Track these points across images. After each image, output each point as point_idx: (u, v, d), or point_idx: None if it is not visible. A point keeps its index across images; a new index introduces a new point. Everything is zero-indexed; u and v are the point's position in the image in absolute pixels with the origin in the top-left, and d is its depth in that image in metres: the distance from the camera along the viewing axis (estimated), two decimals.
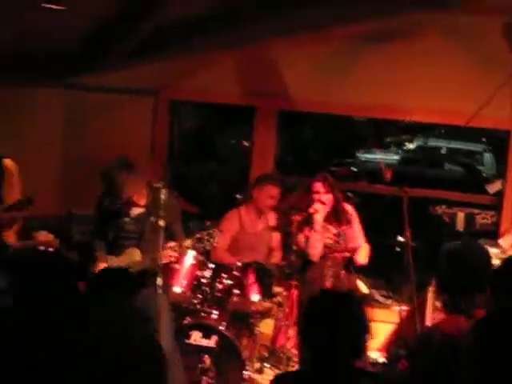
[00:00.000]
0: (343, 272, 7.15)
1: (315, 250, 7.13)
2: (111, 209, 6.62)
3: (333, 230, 7.22)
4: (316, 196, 7.21)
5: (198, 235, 6.52)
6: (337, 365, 3.63)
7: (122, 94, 9.30)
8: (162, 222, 6.07)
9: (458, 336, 3.97)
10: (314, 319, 3.74)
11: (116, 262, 6.42)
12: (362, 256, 7.31)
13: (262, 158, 9.28)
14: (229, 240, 8.02)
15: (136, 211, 6.54)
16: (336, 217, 7.27)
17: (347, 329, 3.65)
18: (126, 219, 6.54)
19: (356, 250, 7.31)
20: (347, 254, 7.26)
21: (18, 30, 7.98)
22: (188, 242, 6.54)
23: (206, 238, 6.46)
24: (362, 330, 3.70)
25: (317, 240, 7.12)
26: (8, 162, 6.65)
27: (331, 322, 3.65)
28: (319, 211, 7.15)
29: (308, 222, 7.21)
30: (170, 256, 6.49)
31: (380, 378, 3.94)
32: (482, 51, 8.35)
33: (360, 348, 3.69)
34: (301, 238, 7.27)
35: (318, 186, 7.23)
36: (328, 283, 6.97)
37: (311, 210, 7.17)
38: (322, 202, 7.18)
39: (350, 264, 7.29)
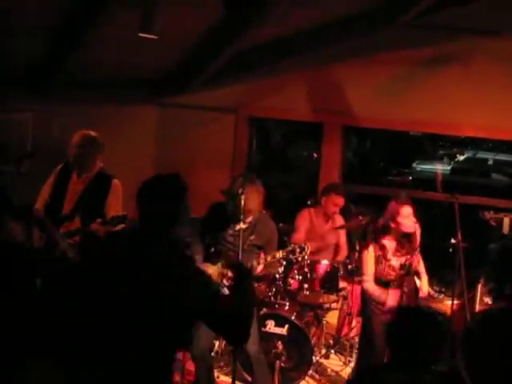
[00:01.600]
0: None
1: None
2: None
3: (395, 263, 6.51)
4: (402, 219, 6.42)
5: (290, 247, 6.28)
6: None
7: (206, 112, 9.37)
8: (242, 225, 5.92)
9: None
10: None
11: (210, 269, 6.19)
12: (425, 287, 6.90)
13: (328, 167, 9.25)
14: (304, 233, 7.96)
15: (239, 226, 6.24)
16: (407, 245, 6.53)
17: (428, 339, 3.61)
18: (231, 231, 6.36)
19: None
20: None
21: (119, 56, 8.09)
22: (280, 253, 6.22)
23: (298, 250, 6.27)
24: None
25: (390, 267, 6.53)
26: (116, 182, 6.66)
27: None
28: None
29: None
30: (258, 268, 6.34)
31: (442, 373, 3.83)
32: None
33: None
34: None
35: (408, 209, 6.45)
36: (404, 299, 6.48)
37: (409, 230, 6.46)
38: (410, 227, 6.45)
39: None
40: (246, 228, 6.13)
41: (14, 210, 5.04)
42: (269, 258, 6.23)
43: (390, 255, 6.47)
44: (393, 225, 6.42)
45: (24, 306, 4.08)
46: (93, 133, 6.69)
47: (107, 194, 6.57)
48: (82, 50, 7.75)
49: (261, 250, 6.29)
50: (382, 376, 3.68)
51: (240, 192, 5.90)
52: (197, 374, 6.35)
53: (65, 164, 6.75)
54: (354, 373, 6.99)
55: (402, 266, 6.49)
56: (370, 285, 6.53)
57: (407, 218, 6.39)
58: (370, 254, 6.50)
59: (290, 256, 6.22)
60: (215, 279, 6.12)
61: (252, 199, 6.02)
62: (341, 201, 7.93)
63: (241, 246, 5.77)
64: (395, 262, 6.49)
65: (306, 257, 6.31)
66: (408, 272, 6.51)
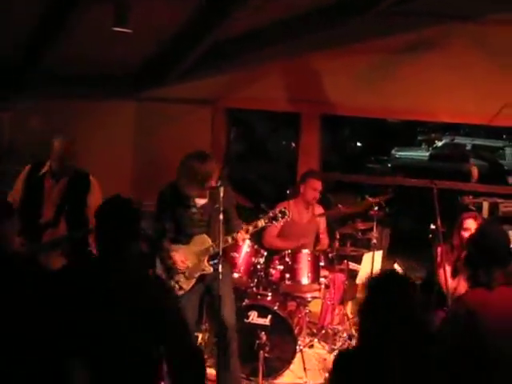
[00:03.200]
0: None
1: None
2: (176, 201, 6.51)
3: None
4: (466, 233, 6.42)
5: (271, 214, 6.40)
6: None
7: (183, 105, 9.37)
8: (221, 216, 6.02)
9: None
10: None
11: (183, 249, 6.36)
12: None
13: (307, 157, 9.27)
14: (279, 227, 7.99)
15: (201, 201, 6.42)
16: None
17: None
18: (194, 209, 6.45)
19: None
20: None
21: (94, 52, 8.07)
22: (262, 222, 6.36)
23: (280, 215, 6.38)
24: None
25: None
26: (94, 180, 6.59)
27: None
28: None
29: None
30: (243, 239, 6.45)
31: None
32: (502, 57, 8.28)
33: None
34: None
35: (471, 223, 6.54)
36: None
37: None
38: None
39: None
40: (206, 203, 6.36)
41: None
42: (251, 228, 6.33)
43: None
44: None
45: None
46: (69, 138, 6.55)
47: (87, 193, 6.51)
48: (57, 46, 7.72)
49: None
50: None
51: (219, 185, 6.01)
52: None
53: (34, 166, 6.55)
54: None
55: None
56: None
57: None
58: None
59: (273, 222, 6.36)
60: (189, 259, 6.30)
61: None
62: (319, 184, 7.92)
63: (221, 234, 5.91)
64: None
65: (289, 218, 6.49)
66: None
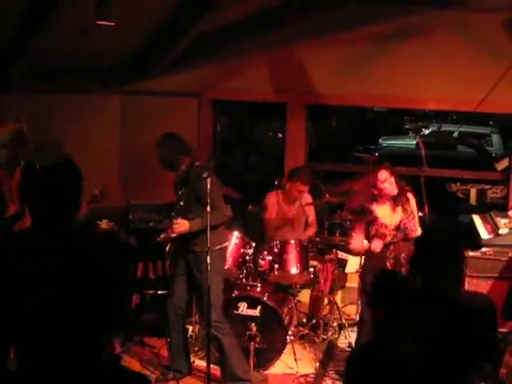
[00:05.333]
0: (403, 255, 6.39)
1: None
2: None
3: (391, 225, 6.61)
4: (381, 184, 6.60)
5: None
6: None
7: (169, 97, 9.36)
8: (208, 208, 6.02)
9: None
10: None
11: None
12: None
13: (294, 147, 9.30)
14: (274, 213, 8.08)
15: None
16: (395, 206, 6.63)
17: None
18: (178, 197, 6.52)
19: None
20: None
21: (78, 45, 8.04)
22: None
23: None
24: None
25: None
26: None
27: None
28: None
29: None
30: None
31: None
32: (486, 44, 8.31)
33: None
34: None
35: (384, 175, 6.61)
36: (389, 265, 6.46)
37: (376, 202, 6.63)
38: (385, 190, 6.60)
39: None
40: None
41: None
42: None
43: (379, 215, 6.61)
44: (376, 191, 6.59)
45: None
46: (17, 124, 6.43)
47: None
48: (41, 40, 7.69)
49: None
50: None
51: (205, 176, 6.01)
52: (170, 330, 6.61)
53: None
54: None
55: (396, 228, 6.58)
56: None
57: (385, 182, 6.57)
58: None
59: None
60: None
61: None
62: (304, 188, 7.90)
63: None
64: (388, 222, 6.61)
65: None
66: (404, 236, 6.58)
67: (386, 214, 6.66)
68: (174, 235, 6.35)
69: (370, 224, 6.67)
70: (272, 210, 8.08)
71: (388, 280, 4.04)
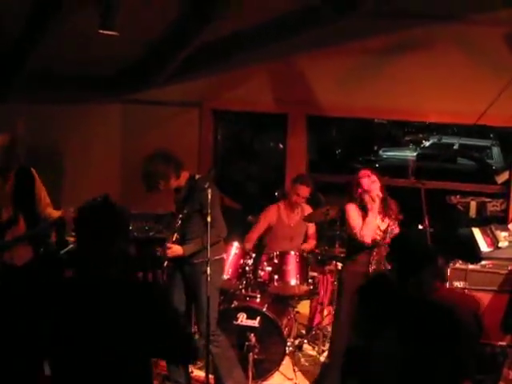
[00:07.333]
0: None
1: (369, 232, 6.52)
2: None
3: (382, 226, 6.56)
4: (362, 180, 6.58)
5: None
6: None
7: (170, 107, 9.38)
8: (209, 218, 6.02)
9: None
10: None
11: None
12: None
13: (294, 158, 9.30)
14: (263, 229, 8.11)
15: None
16: (385, 212, 6.60)
17: None
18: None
19: None
20: None
21: (80, 54, 8.07)
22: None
23: None
24: None
25: (371, 227, 6.50)
26: (33, 170, 6.56)
27: None
28: (375, 201, 6.52)
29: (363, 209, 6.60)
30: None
31: None
32: (487, 57, 8.33)
33: None
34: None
35: (365, 172, 6.63)
36: (371, 270, 6.47)
37: (371, 195, 6.52)
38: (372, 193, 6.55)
39: None
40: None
41: None
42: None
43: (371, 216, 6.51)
44: (359, 190, 6.56)
45: None
46: (9, 134, 6.36)
47: (34, 185, 6.49)
48: (42, 48, 7.71)
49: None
50: None
51: (206, 186, 6.01)
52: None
53: None
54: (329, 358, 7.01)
55: (384, 231, 6.54)
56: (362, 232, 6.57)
57: (364, 179, 6.56)
58: (352, 208, 6.59)
59: None
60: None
61: None
62: (304, 191, 7.92)
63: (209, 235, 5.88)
64: (380, 223, 6.56)
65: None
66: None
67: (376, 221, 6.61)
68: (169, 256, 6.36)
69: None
70: (263, 223, 8.12)
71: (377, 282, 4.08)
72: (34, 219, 6.37)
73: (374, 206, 6.50)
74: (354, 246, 6.57)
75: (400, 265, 4.19)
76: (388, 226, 6.54)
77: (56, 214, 6.45)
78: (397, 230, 6.54)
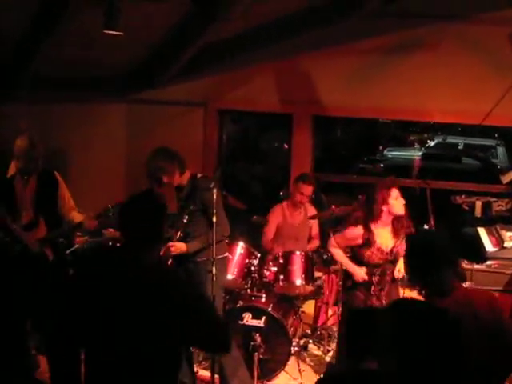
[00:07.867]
0: (388, 272, 6.36)
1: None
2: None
3: (389, 243, 6.35)
4: (392, 201, 6.26)
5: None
6: None
7: (175, 106, 9.39)
8: (214, 218, 6.03)
9: None
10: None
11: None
12: (402, 270, 6.39)
13: (299, 158, 9.29)
14: (274, 229, 8.08)
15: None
16: (401, 228, 6.34)
17: None
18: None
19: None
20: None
21: (85, 54, 8.08)
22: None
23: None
24: None
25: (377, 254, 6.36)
26: (57, 174, 6.61)
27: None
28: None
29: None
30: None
31: None
32: (492, 57, 8.32)
33: None
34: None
35: (396, 193, 6.29)
36: (374, 280, 6.36)
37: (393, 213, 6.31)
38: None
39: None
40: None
41: None
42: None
43: (377, 240, 6.32)
44: (384, 208, 6.29)
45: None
46: (30, 136, 6.47)
47: (57, 188, 6.53)
48: (48, 48, 7.73)
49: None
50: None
51: (212, 186, 6.02)
52: None
53: None
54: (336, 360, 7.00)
55: (390, 252, 6.36)
56: (335, 250, 6.63)
57: (397, 200, 6.29)
58: (357, 230, 6.37)
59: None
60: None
61: None
62: (307, 190, 7.92)
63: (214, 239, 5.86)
64: (385, 246, 6.36)
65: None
66: (394, 259, 6.41)
67: (386, 238, 6.39)
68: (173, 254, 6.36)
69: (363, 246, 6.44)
70: (272, 225, 8.11)
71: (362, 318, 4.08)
72: (55, 222, 6.41)
73: (388, 220, 6.34)
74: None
75: (420, 264, 4.13)
76: (394, 246, 6.34)
77: (79, 217, 6.49)
78: (401, 250, 6.20)
